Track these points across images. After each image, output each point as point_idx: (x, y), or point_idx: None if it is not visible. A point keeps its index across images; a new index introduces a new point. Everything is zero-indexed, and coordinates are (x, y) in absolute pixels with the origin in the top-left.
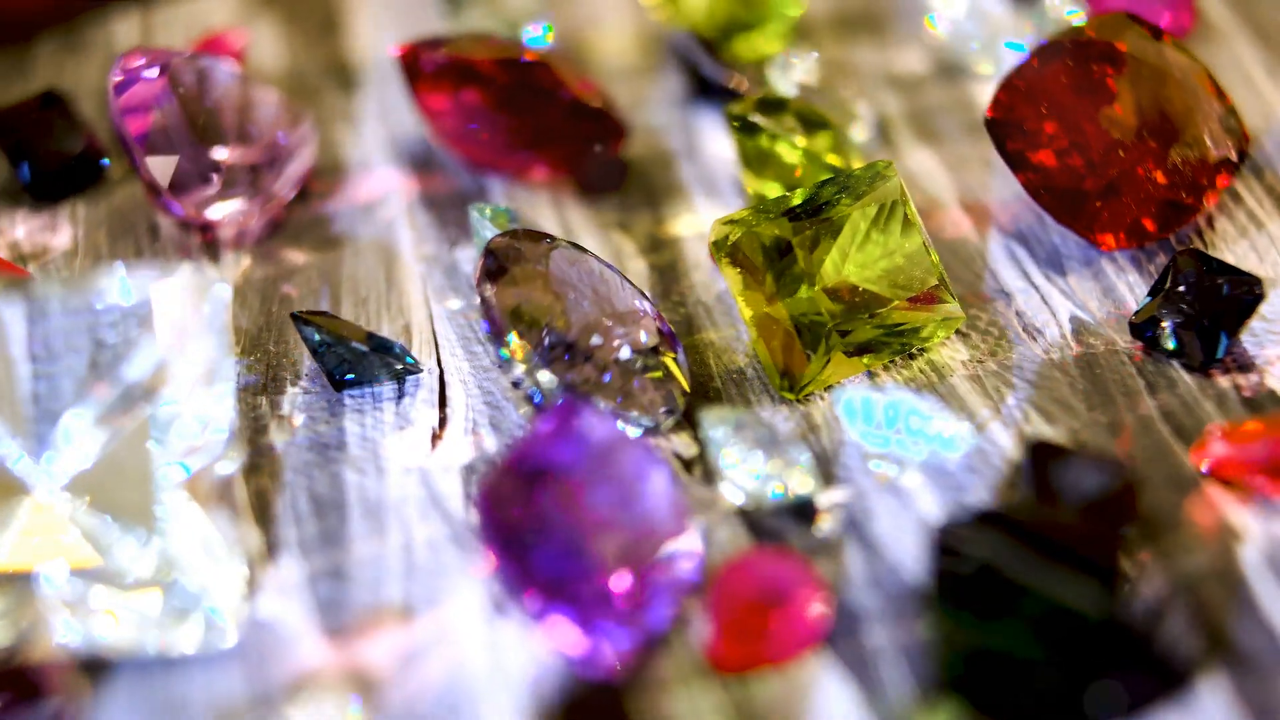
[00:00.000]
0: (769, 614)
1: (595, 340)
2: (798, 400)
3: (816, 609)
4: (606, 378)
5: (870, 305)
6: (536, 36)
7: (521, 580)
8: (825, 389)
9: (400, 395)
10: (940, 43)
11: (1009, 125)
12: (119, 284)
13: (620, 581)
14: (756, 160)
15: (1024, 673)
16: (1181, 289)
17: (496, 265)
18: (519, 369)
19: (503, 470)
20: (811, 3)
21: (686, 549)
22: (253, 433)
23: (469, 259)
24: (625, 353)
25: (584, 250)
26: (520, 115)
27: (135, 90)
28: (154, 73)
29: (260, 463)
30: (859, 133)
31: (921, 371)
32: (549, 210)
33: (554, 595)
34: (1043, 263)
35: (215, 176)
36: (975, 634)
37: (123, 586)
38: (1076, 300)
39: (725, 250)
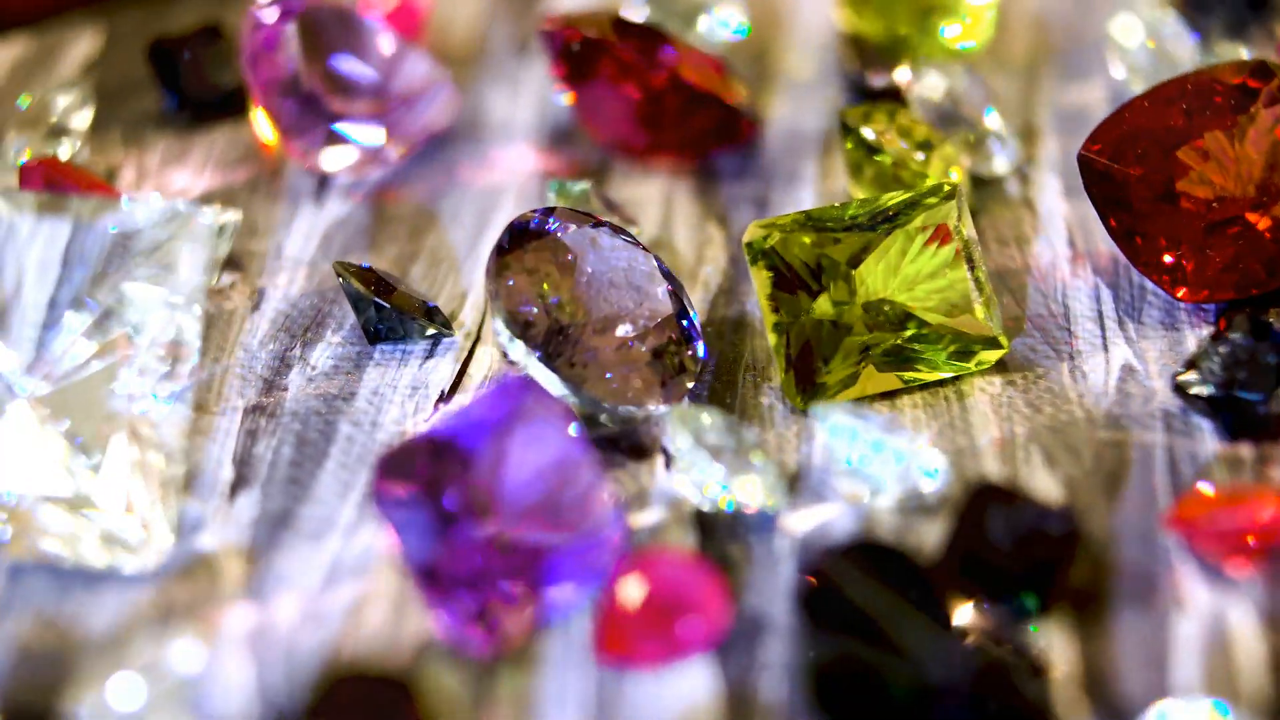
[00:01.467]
0: (664, 615)
1: (598, 328)
2: (808, 407)
3: (712, 619)
4: (601, 366)
5: (899, 324)
6: (727, 23)
7: (413, 556)
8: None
9: (428, 358)
10: (1120, 80)
11: (1099, 165)
12: (126, 210)
13: (513, 562)
14: (856, 167)
15: (879, 701)
16: (1225, 349)
17: (510, 241)
18: (506, 346)
19: (409, 442)
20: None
21: (598, 540)
22: (274, 373)
23: None
24: (626, 344)
25: (624, 236)
26: (649, 103)
27: (264, 34)
28: (284, 19)
29: (267, 403)
30: (988, 158)
31: (945, 396)
32: (656, 194)
33: (442, 573)
34: (1122, 306)
35: (333, 125)
36: (831, 659)
37: (61, 501)
38: (1137, 349)
39: (757, 252)
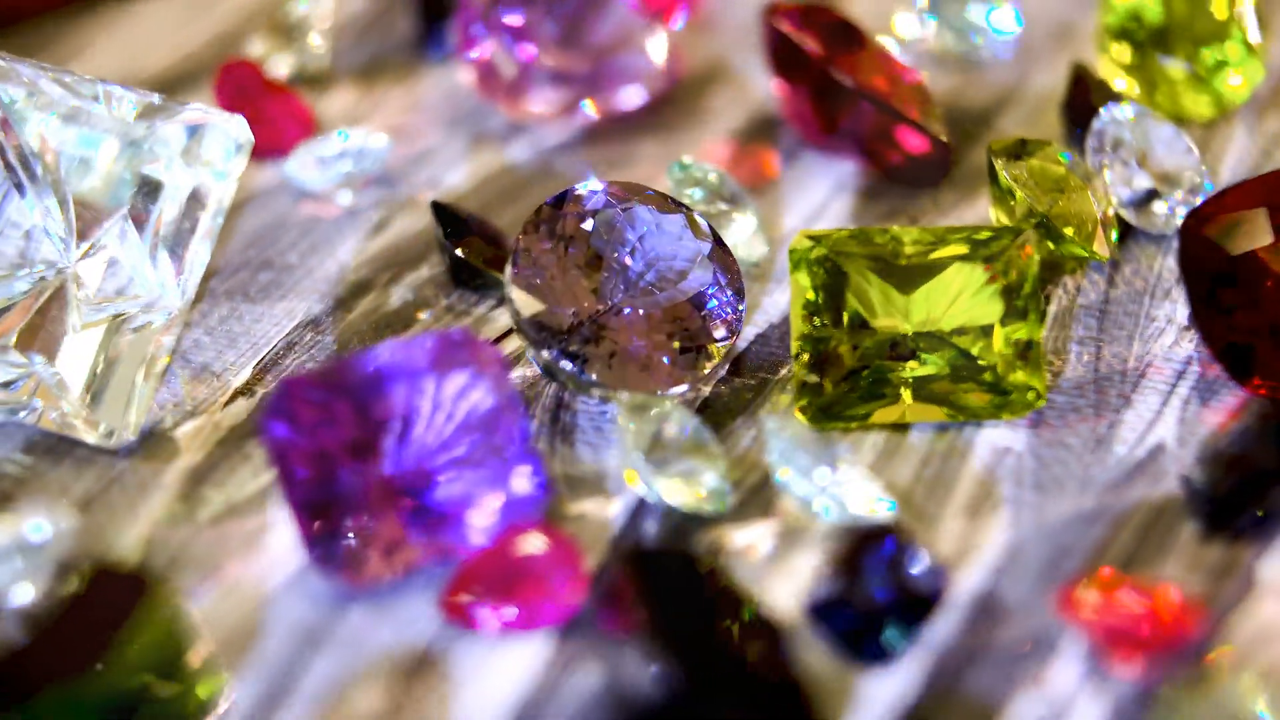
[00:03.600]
0: (509, 586)
1: (613, 312)
2: (816, 426)
3: (558, 602)
4: (610, 350)
5: (923, 355)
6: (998, 29)
7: (286, 486)
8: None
9: (497, 306)
10: None
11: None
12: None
13: (394, 506)
14: (997, 200)
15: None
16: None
17: (538, 216)
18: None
19: (303, 375)
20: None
21: (496, 502)
22: (350, 295)
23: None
24: (636, 329)
25: (681, 211)
26: (837, 113)
27: None
28: None
29: (324, 320)
30: (1150, 214)
31: (948, 438)
32: (820, 192)
33: (312, 505)
34: (1201, 388)
35: (532, 75)
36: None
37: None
38: (1183, 431)
39: (800, 260)
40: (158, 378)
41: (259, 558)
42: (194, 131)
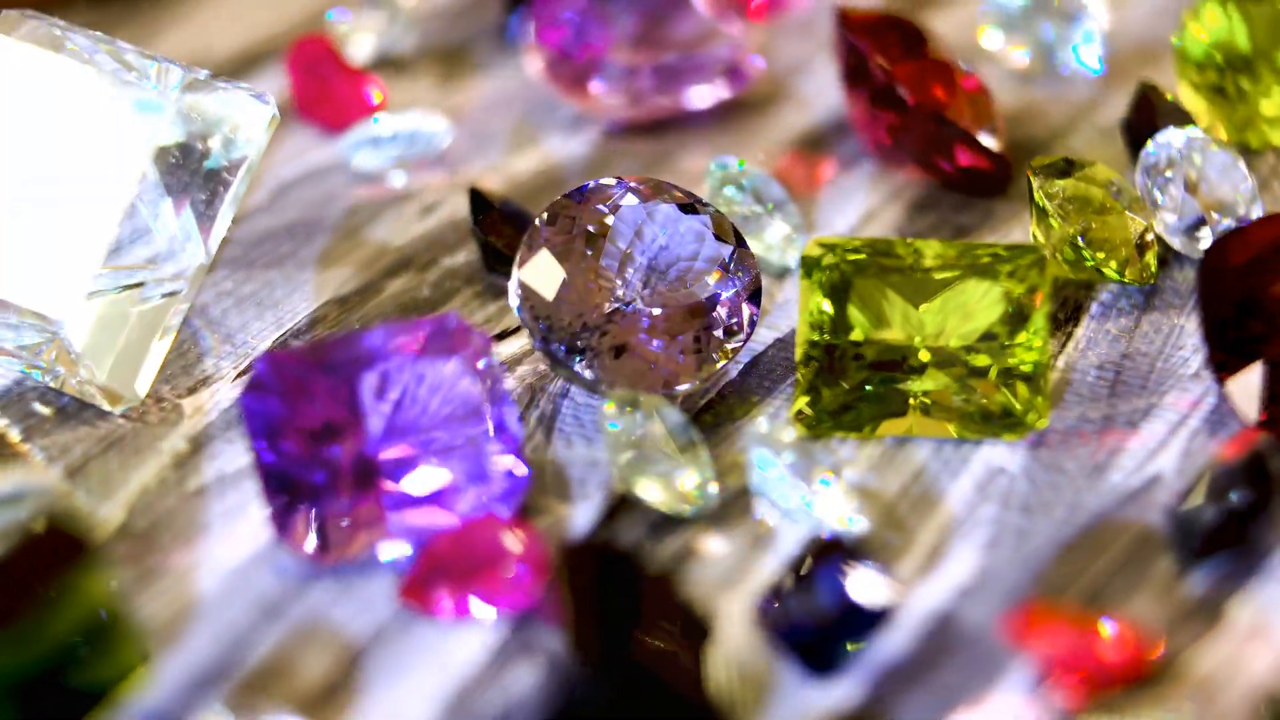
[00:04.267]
0: (464, 575)
1: (620, 313)
2: (811, 433)
3: (521, 588)
4: (615, 349)
5: (931, 370)
6: (1083, 61)
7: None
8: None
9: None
10: None
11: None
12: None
13: (367, 483)
14: (1036, 215)
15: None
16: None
17: (555, 208)
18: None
19: (285, 352)
20: None
21: (468, 489)
22: (379, 277)
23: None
24: (643, 329)
25: (706, 211)
26: (896, 122)
27: None
28: None
29: (349, 298)
30: (1194, 240)
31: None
32: (877, 194)
33: (281, 478)
34: (1212, 420)
35: (601, 67)
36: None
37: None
38: (1184, 464)
39: (811, 267)
40: (170, 344)
41: (235, 530)
42: (226, 104)
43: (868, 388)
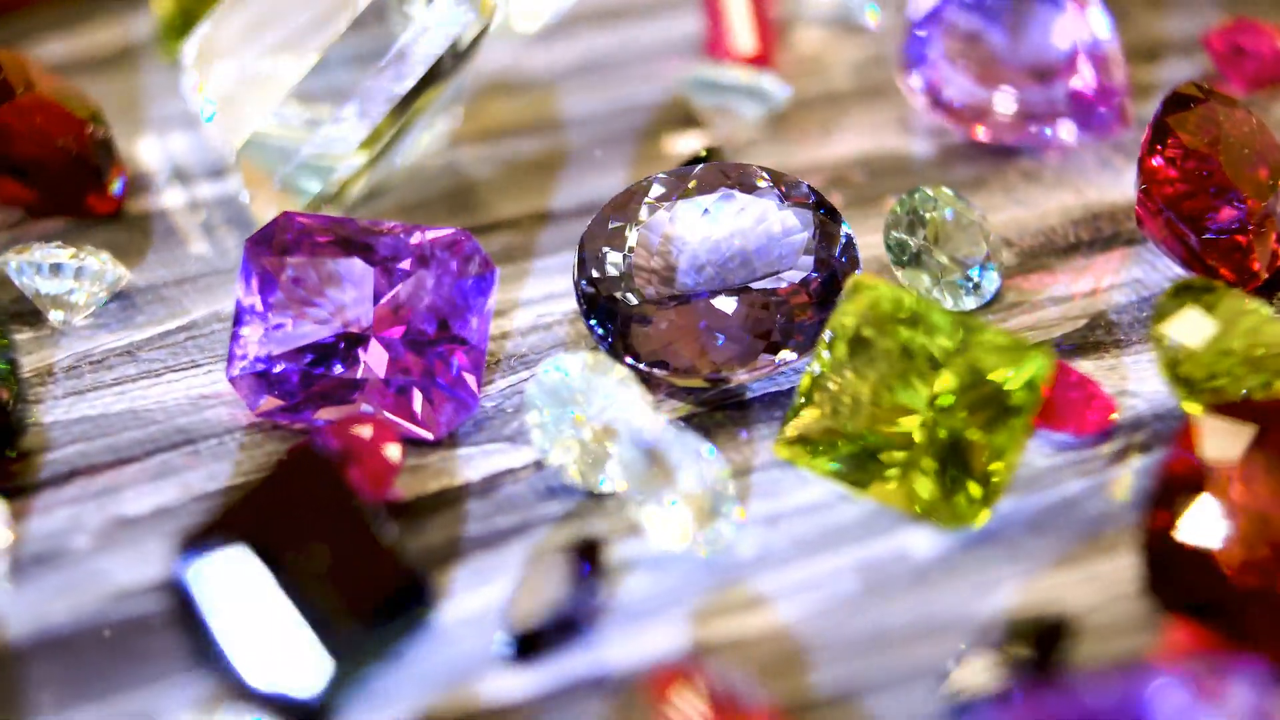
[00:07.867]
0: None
1: (674, 304)
2: (785, 455)
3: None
4: (661, 319)
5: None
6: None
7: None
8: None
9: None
10: None
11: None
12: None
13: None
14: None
15: None
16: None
17: (639, 188)
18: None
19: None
20: None
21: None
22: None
23: None
24: (702, 318)
25: (806, 209)
26: None
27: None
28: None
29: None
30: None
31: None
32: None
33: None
34: None
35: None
36: None
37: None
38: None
39: (850, 293)
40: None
41: None
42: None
43: (855, 449)
